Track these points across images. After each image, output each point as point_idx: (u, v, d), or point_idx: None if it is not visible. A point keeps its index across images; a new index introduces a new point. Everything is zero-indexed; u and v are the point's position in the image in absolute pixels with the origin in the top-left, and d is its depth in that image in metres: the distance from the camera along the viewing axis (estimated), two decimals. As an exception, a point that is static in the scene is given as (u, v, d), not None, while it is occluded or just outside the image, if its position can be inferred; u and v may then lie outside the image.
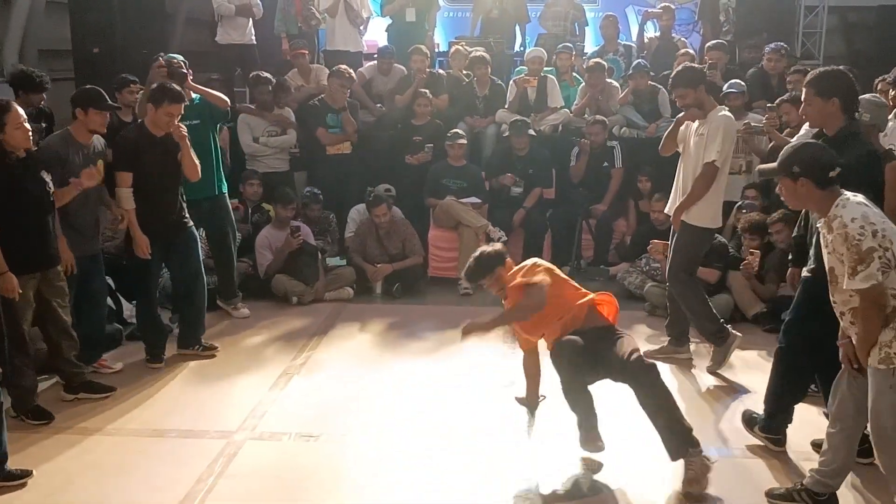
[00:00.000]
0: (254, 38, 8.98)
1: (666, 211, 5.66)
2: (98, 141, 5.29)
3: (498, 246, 4.67)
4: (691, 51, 8.88)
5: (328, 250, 7.48)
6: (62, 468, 4.18)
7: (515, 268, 4.45)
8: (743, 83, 7.36)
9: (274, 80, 8.02)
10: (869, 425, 3.44)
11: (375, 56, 9.10)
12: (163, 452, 4.36)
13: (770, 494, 3.87)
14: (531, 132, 7.82)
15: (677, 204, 5.42)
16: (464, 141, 7.79)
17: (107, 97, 5.22)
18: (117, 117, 7.11)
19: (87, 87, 5.26)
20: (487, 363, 5.65)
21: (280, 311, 6.79)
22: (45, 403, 4.80)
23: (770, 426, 4.34)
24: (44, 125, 7.04)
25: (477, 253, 4.48)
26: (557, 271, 4.38)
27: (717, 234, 6.55)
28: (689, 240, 5.41)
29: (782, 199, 3.67)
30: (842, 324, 3.51)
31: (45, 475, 4.09)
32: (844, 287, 3.28)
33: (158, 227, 5.41)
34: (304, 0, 9.14)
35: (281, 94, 8.07)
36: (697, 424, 4.09)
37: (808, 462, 4.04)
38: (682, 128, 5.46)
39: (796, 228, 4.48)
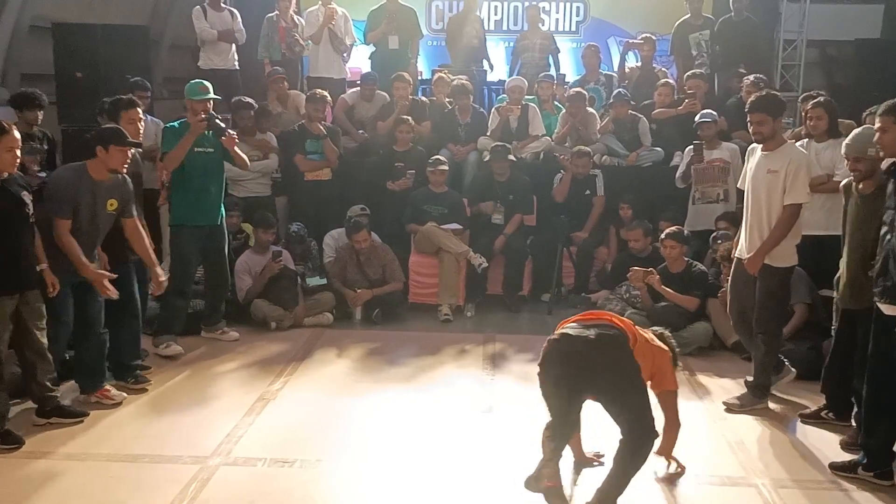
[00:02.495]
0: (237, 63, 9.01)
1: (738, 255, 5.35)
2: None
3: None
4: (672, 81, 8.97)
5: (309, 275, 7.46)
6: (32, 495, 4.10)
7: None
8: (715, 113, 7.44)
9: (256, 106, 8.03)
10: None
11: (358, 83, 9.14)
12: (135, 478, 4.29)
13: None
14: (511, 157, 7.85)
15: (753, 247, 5.16)
16: (445, 167, 7.81)
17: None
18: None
19: None
20: (466, 390, 5.63)
21: (259, 337, 6.73)
22: (15, 428, 4.72)
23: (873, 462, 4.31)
24: (45, 148, 7.08)
25: None
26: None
27: (696, 263, 6.61)
28: (778, 282, 5.15)
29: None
30: None
31: (13, 501, 4.01)
32: None
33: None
34: (288, 27, 9.18)
35: (263, 119, 8.08)
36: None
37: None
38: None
39: None
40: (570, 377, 3.83)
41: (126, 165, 5.11)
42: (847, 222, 4.69)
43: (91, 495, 4.10)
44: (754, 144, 5.29)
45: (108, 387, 5.30)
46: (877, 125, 4.20)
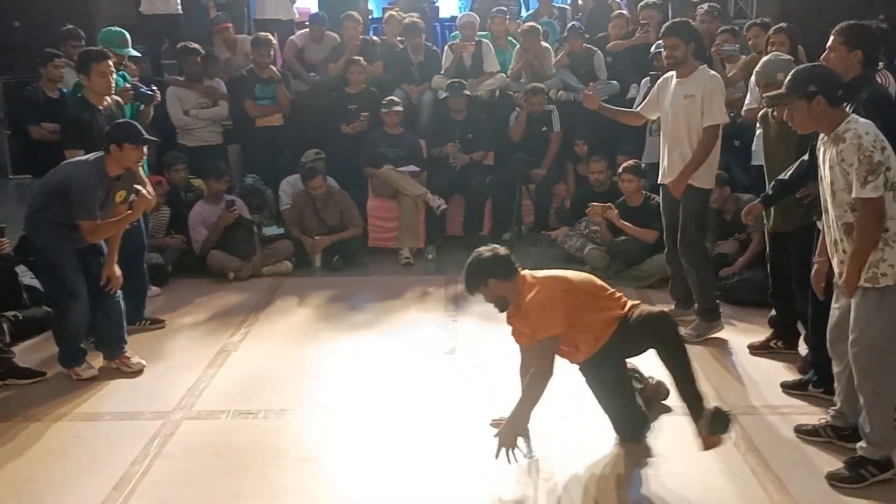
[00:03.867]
0: (180, 7, 8.69)
1: (661, 182, 5.46)
2: None
3: (500, 251, 4.04)
4: (626, 12, 8.86)
5: (265, 224, 7.35)
6: (-9, 457, 4.04)
7: (532, 279, 3.99)
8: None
9: (202, 51, 7.80)
10: (851, 349, 3.57)
11: (307, 24, 8.91)
12: (96, 436, 4.24)
13: (798, 430, 4.06)
14: (467, 93, 7.74)
15: (675, 171, 5.26)
16: (400, 108, 7.68)
17: None
18: (43, 92, 6.92)
19: None
20: (428, 333, 5.63)
21: (217, 288, 6.64)
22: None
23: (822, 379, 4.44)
24: None
25: (471, 257, 4.02)
26: (582, 281, 4.04)
27: (653, 196, 6.61)
28: (700, 204, 5.31)
29: (790, 124, 3.74)
30: (828, 238, 3.67)
31: (-29, 465, 3.96)
32: (854, 196, 3.41)
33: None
34: (232, -33, 8.90)
35: (210, 66, 7.86)
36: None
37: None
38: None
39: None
40: None
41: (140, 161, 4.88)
42: (767, 149, 4.80)
43: (51, 455, 4.04)
44: (667, 74, 5.38)
45: (128, 353, 5.10)
46: (829, 43, 4.21)
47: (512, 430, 3.81)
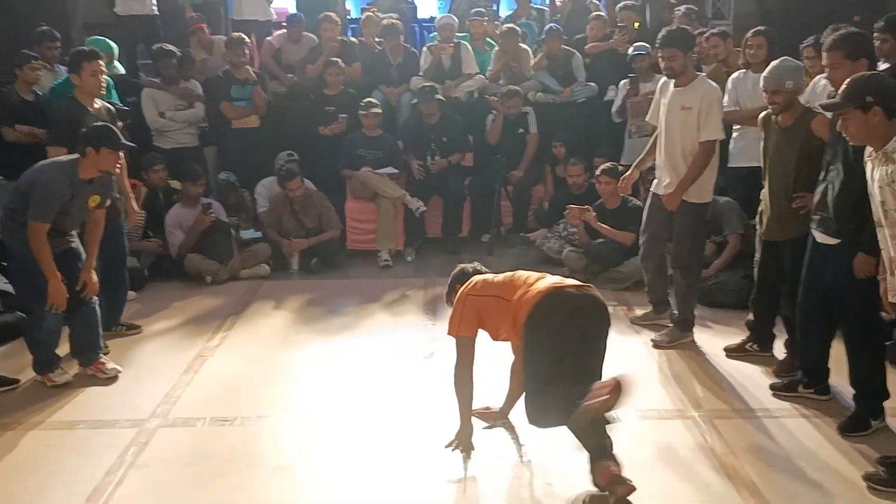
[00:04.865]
0: (156, 8, 8.61)
1: (654, 190, 5.37)
2: None
3: (474, 265, 4.19)
4: (604, 14, 8.88)
5: (242, 226, 7.30)
6: (-39, 467, 3.99)
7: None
8: (648, 45, 7.40)
9: (179, 53, 7.74)
10: None
11: (285, 25, 8.87)
12: (70, 445, 4.19)
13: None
14: (439, 97, 7.72)
15: (669, 185, 5.18)
16: (378, 110, 7.65)
17: None
18: (17, 94, 6.84)
19: None
20: (407, 336, 5.61)
21: (194, 292, 6.60)
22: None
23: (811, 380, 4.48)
24: None
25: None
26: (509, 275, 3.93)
27: (631, 198, 6.62)
28: (695, 219, 5.20)
29: (843, 135, 3.65)
30: (884, 255, 3.57)
31: (-58, 476, 3.91)
32: None
33: None
34: (209, -33, 8.84)
35: (186, 67, 7.80)
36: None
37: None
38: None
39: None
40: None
41: (119, 165, 4.82)
42: (767, 155, 4.74)
43: (23, 465, 4.00)
44: (665, 79, 5.29)
45: (103, 360, 5.03)
46: (825, 61, 4.14)
47: (463, 435, 4.01)
